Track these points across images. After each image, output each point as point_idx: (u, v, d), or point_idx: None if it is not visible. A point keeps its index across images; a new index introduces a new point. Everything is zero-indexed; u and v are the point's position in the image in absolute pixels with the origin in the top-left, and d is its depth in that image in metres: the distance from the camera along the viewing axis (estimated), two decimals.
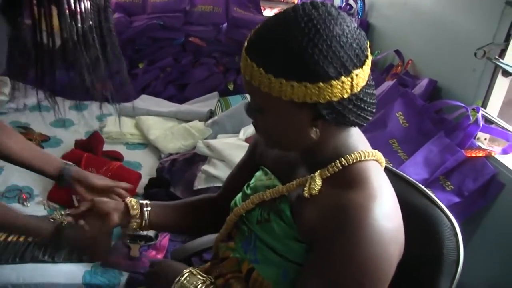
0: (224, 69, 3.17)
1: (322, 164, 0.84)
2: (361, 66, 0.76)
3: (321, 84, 0.73)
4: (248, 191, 1.01)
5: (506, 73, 1.64)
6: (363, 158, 0.82)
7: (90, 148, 2.22)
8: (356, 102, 0.78)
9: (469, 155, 1.65)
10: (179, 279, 0.97)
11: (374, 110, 0.82)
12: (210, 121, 2.60)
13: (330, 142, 0.84)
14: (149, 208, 1.10)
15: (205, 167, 2.15)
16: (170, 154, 2.37)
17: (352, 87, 0.75)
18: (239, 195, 1.05)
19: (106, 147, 2.35)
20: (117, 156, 2.28)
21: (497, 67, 1.64)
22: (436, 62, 1.99)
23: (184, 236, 1.90)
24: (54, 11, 2.67)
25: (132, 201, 1.09)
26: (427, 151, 1.72)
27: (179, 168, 2.23)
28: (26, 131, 2.43)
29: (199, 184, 2.10)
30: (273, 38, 0.75)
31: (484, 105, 1.70)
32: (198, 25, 3.08)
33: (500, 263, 1.56)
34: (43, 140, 2.43)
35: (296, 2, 3.36)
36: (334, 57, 0.72)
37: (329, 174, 0.82)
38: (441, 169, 1.67)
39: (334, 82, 0.73)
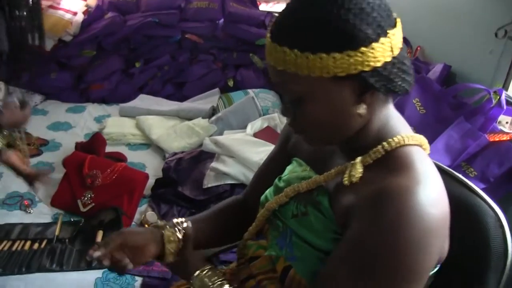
0: (223, 65, 3.11)
1: (362, 150, 0.78)
2: (394, 26, 0.72)
3: (363, 49, 0.68)
4: (281, 184, 0.94)
5: None
6: (406, 142, 0.76)
7: (92, 149, 2.13)
8: (399, 65, 0.73)
9: (492, 140, 1.59)
10: (199, 274, 0.89)
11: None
12: (214, 117, 2.53)
13: (374, 123, 0.78)
14: (183, 229, 0.95)
15: (214, 164, 2.08)
16: (175, 153, 2.29)
17: (392, 48, 0.71)
18: (270, 189, 0.97)
19: (108, 149, 2.28)
20: (120, 157, 2.19)
21: None
22: (447, 46, 1.94)
23: None
24: (45, 14, 2.57)
25: (167, 230, 0.92)
26: (448, 137, 1.66)
27: (186, 167, 2.15)
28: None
29: (208, 182, 2.03)
30: (301, 16, 0.70)
31: (505, 87, 1.65)
32: (194, 22, 3.00)
33: None
34: (41, 144, 2.35)
35: None
36: (369, 19, 0.68)
37: (371, 161, 0.76)
38: (463, 155, 1.62)
39: (375, 45, 0.69)
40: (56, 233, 1.76)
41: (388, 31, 0.70)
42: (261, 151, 2.06)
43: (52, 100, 2.87)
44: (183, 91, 3.03)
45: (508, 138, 1.58)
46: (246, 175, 1.98)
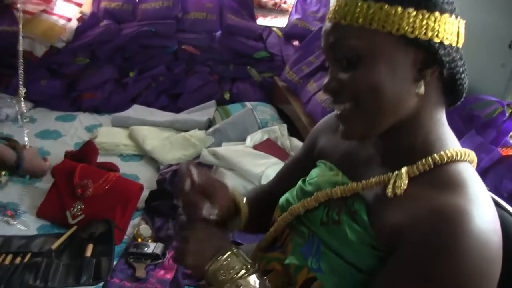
0: (219, 78, 3.04)
1: (406, 159, 0.72)
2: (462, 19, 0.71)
3: (438, 14, 0.66)
4: (308, 188, 0.86)
5: None
6: (458, 158, 0.70)
7: (83, 158, 2.02)
8: (463, 60, 0.71)
9: (505, 154, 1.54)
10: (219, 258, 0.78)
11: None
12: (211, 129, 2.45)
13: (424, 121, 0.72)
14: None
15: None
16: (170, 165, 2.20)
17: (458, 35, 0.70)
18: (291, 192, 0.90)
19: (99, 159, 2.17)
20: (112, 168, 2.08)
21: None
22: None
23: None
24: (39, 19, 2.52)
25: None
26: None
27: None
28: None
29: None
30: None
31: None
32: (191, 33, 2.95)
33: None
34: None
35: (289, 9, 3.28)
36: None
37: (417, 173, 0.70)
38: (475, 170, 1.56)
39: (448, 18, 0.68)
40: (54, 246, 1.64)
41: (458, 17, 0.70)
42: (262, 164, 1.98)
43: (41, 108, 2.76)
44: (178, 103, 2.95)
45: None
46: (246, 187, 1.90)
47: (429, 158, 0.70)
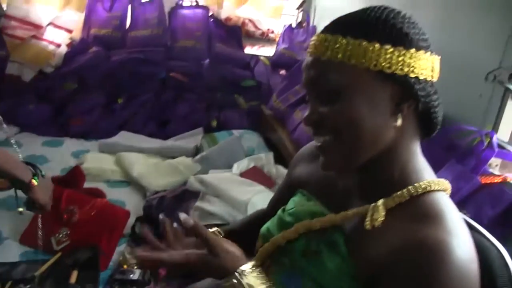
0: (207, 105, 3.07)
1: (384, 192, 0.73)
2: (436, 56, 0.74)
3: (413, 51, 0.70)
4: (288, 218, 0.87)
5: None
6: (432, 188, 0.72)
7: (69, 184, 2.02)
8: (437, 95, 0.74)
9: (484, 182, 1.58)
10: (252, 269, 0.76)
11: None
12: (198, 156, 2.47)
13: (401, 153, 0.74)
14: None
15: (199, 203, 2.01)
16: (157, 192, 2.20)
17: (433, 70, 0.73)
18: (272, 222, 0.91)
19: (86, 185, 2.16)
20: (99, 194, 2.08)
21: (506, 91, 1.61)
22: (439, 90, 1.96)
23: (179, 279, 1.72)
24: (28, 44, 2.52)
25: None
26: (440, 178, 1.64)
27: (169, 206, 2.06)
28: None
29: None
30: (360, 14, 0.72)
31: (495, 129, 1.66)
32: (180, 60, 2.99)
33: None
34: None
35: (277, 39, 3.36)
36: (420, 32, 0.72)
37: (393, 205, 0.71)
38: (456, 197, 1.58)
39: (423, 55, 0.71)
40: (37, 273, 1.61)
41: (433, 54, 0.73)
42: (248, 191, 2.00)
43: (27, 133, 2.74)
44: (165, 129, 2.97)
45: (500, 180, 1.56)
46: (232, 214, 1.91)
47: (405, 190, 0.71)
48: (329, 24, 0.74)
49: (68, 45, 2.89)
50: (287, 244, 0.83)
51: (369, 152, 0.73)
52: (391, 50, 0.68)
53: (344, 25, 0.72)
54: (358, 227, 0.73)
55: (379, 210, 0.70)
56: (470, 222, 0.90)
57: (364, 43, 0.69)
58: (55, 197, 1.85)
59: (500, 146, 1.65)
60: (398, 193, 0.71)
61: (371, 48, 0.68)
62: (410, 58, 0.69)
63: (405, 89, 0.70)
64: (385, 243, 0.68)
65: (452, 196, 1.67)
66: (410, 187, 0.71)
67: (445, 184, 0.76)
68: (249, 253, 1.04)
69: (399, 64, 0.68)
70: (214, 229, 0.95)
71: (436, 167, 1.73)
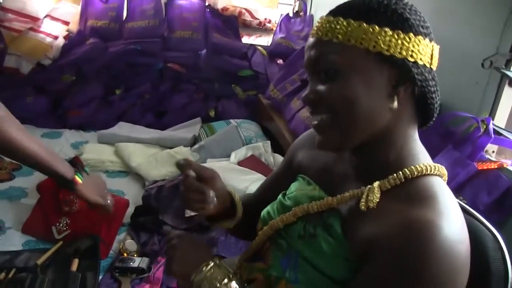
0: (204, 95, 3.08)
1: (380, 174, 0.75)
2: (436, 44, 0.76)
3: (412, 35, 0.71)
4: (287, 202, 0.90)
5: None
6: (428, 172, 0.73)
7: None
8: (435, 82, 0.75)
9: (481, 168, 1.59)
10: (202, 269, 0.82)
11: None
12: (196, 146, 2.48)
13: (397, 137, 0.76)
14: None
15: None
16: (155, 181, 2.21)
17: (432, 58, 0.74)
18: (272, 206, 0.93)
19: None
20: None
21: (503, 78, 1.62)
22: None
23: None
24: (25, 36, 2.50)
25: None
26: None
27: (167, 195, 2.07)
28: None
29: (191, 211, 1.96)
30: (355, 2, 0.74)
31: (492, 116, 1.67)
32: (177, 51, 2.99)
33: None
34: (14, 169, 2.23)
35: (274, 29, 3.35)
36: (421, 19, 0.74)
37: (389, 187, 0.73)
38: (452, 184, 1.60)
39: (422, 40, 0.72)
40: (39, 262, 1.62)
41: (432, 41, 0.74)
42: (246, 179, 2.01)
43: (26, 125, 2.73)
44: (163, 120, 2.98)
45: (496, 167, 1.58)
46: None
47: (400, 172, 0.73)
48: (334, 8, 0.76)
49: (66, 37, 2.88)
50: (286, 227, 0.85)
51: (364, 132, 0.74)
52: (390, 33, 0.70)
53: (346, 8, 0.73)
54: (354, 209, 0.74)
55: (374, 191, 0.72)
56: (466, 207, 0.91)
57: (364, 25, 0.70)
58: (54, 188, 1.88)
59: (496, 133, 1.66)
60: (394, 175, 0.73)
61: (370, 30, 0.70)
62: (409, 42, 0.70)
63: (403, 72, 0.71)
64: (379, 223, 0.69)
65: (449, 182, 1.69)
66: (405, 169, 0.73)
67: (442, 169, 0.77)
68: (242, 236, 1.08)
69: (398, 47, 0.70)
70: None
71: (433, 154, 1.75)
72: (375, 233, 0.69)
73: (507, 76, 1.59)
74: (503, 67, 1.60)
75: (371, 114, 0.73)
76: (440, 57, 0.78)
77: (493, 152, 1.70)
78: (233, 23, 3.18)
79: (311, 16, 3.20)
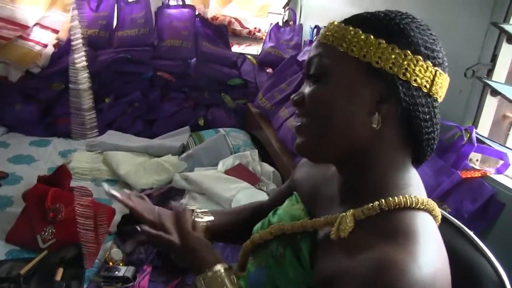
0: (194, 104, 3.09)
1: (358, 200, 0.70)
2: (444, 73, 0.71)
3: (409, 53, 0.66)
4: (274, 218, 0.88)
5: (494, 93, 1.63)
6: (410, 206, 0.66)
7: (55, 183, 2.02)
8: (433, 110, 0.69)
9: (464, 176, 1.60)
10: (207, 273, 0.78)
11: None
12: (184, 154, 2.48)
13: (381, 161, 0.70)
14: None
15: (184, 201, 2.02)
16: (143, 190, 2.21)
17: (432, 84, 0.68)
18: (263, 220, 0.91)
19: (74, 184, 2.16)
20: (85, 192, 2.08)
21: (485, 87, 1.63)
22: None
23: (165, 276, 1.73)
24: (14, 44, 2.48)
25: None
26: (422, 174, 1.63)
27: (155, 204, 2.04)
28: None
29: None
30: (375, 12, 0.72)
31: (475, 125, 1.68)
32: (167, 60, 3.00)
33: None
34: (0, 178, 2.21)
35: (263, 38, 3.37)
36: (428, 41, 0.69)
37: (363, 217, 0.67)
38: (437, 192, 1.62)
39: (420, 62, 0.67)
40: (22, 271, 1.61)
41: (437, 67, 0.69)
42: (233, 188, 2.02)
43: (15, 133, 2.76)
44: (153, 128, 2.99)
45: (480, 175, 1.59)
46: None
47: (377, 202, 0.66)
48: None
49: (55, 46, 2.89)
50: (265, 243, 0.83)
51: (340, 144, 0.70)
52: (384, 45, 0.66)
53: (352, 17, 0.72)
54: (328, 236, 0.69)
55: (347, 221, 0.66)
56: (468, 234, 0.85)
57: (360, 32, 0.68)
58: (40, 196, 1.87)
59: (479, 141, 1.67)
60: (370, 205, 0.67)
61: (364, 38, 0.67)
62: (404, 59, 0.66)
63: (389, 89, 0.67)
64: (348, 255, 0.64)
65: (433, 190, 1.71)
66: (382, 201, 0.66)
67: (431, 204, 0.69)
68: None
69: (390, 62, 0.66)
70: (201, 209, 0.98)
71: None
72: (342, 266, 0.64)
73: (489, 85, 1.61)
74: (485, 76, 1.62)
75: (348, 125, 0.69)
76: None
77: (477, 160, 1.71)
78: (223, 32, 3.20)
79: (301, 26, 3.22)
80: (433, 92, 0.69)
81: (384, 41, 0.66)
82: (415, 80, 0.67)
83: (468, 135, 1.64)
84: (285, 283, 0.74)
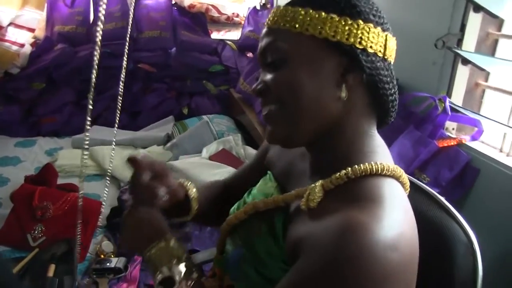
0: (177, 93, 3.09)
1: (328, 172, 0.69)
2: (392, 37, 0.72)
3: (361, 22, 0.68)
4: (248, 198, 0.88)
5: (465, 62, 1.65)
6: (376, 172, 0.66)
7: (43, 181, 2.04)
8: (391, 71, 0.72)
9: (441, 145, 1.63)
10: (150, 248, 0.76)
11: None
12: (169, 144, 2.50)
13: (348, 130, 0.71)
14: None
15: None
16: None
17: (385, 48, 0.70)
18: (239, 201, 0.91)
19: (60, 181, 2.19)
20: (72, 188, 2.11)
21: (456, 57, 1.66)
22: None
23: None
24: None
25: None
26: (400, 145, 1.69)
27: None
28: None
29: None
30: None
31: (449, 94, 1.71)
32: (147, 51, 3.00)
33: (485, 250, 1.53)
34: None
35: (242, 22, 3.37)
36: (373, 8, 0.71)
37: (332, 186, 0.67)
38: (415, 162, 1.65)
39: (372, 28, 0.69)
40: (14, 270, 1.63)
41: (386, 32, 0.71)
42: (217, 173, 2.04)
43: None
44: (137, 121, 2.99)
45: (456, 143, 1.62)
46: None
47: (343, 171, 0.67)
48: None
49: (33, 44, 2.87)
50: (241, 224, 0.83)
51: (313, 123, 0.70)
52: (337, 19, 0.67)
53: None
54: (299, 208, 0.69)
55: (316, 190, 0.67)
56: (441, 201, 0.87)
57: (311, 11, 0.68)
58: (27, 195, 1.89)
59: (454, 110, 1.70)
60: (337, 174, 0.67)
61: (316, 16, 0.68)
62: (357, 29, 0.68)
63: (351, 59, 0.68)
64: (316, 223, 0.64)
65: (412, 161, 1.73)
66: (348, 169, 0.67)
67: (398, 171, 0.69)
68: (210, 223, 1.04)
69: (345, 33, 0.67)
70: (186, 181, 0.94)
71: (397, 135, 1.79)
72: (309, 230, 0.64)
73: (459, 54, 1.63)
74: (455, 46, 1.64)
75: (319, 103, 0.69)
76: (398, 39, 0.75)
77: (453, 129, 1.74)
78: (201, 19, 3.20)
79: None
80: (387, 55, 0.71)
81: (335, 15, 0.67)
82: (371, 47, 0.68)
83: (443, 105, 1.66)
84: (261, 260, 0.74)
